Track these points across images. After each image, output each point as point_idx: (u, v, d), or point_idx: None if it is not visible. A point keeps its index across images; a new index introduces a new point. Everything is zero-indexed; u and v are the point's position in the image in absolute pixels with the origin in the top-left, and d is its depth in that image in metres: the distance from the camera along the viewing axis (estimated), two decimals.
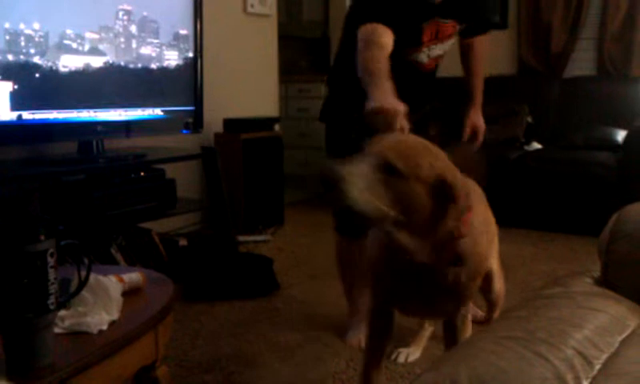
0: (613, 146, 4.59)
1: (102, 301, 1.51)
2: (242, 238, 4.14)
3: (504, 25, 3.37)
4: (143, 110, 3.43)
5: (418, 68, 2.62)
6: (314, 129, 6.16)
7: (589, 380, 0.93)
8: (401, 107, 1.96)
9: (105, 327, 1.45)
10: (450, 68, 2.98)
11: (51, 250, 1.27)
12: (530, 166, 4.59)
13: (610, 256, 1.31)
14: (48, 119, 2.99)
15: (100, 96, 3.22)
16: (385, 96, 2.06)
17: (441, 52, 2.62)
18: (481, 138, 2.81)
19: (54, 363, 1.28)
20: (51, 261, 1.27)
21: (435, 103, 2.82)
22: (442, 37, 2.56)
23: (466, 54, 2.83)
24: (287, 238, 4.46)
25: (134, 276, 1.74)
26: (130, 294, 1.66)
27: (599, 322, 1.07)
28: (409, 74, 2.57)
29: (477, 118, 2.81)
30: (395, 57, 2.38)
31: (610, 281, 1.27)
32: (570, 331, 1.04)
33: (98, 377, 1.37)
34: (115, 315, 1.51)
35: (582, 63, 5.49)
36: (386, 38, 2.35)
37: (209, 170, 3.91)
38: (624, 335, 1.04)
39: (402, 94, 2.17)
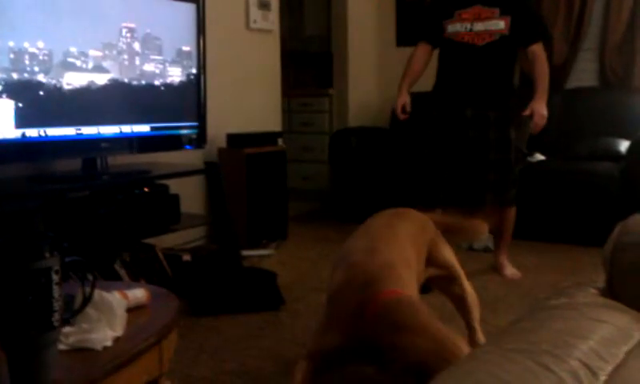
0: (616, 156, 4.59)
1: (106, 317, 1.52)
2: (245, 253, 4.14)
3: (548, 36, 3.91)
4: (147, 127, 3.44)
5: (469, 43, 3.65)
6: (317, 143, 6.18)
7: None
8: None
9: (109, 343, 1.45)
10: None
11: (56, 267, 1.27)
12: (533, 178, 4.59)
13: (615, 266, 1.31)
14: (52, 136, 3.00)
15: (104, 113, 3.23)
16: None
17: (483, 28, 3.63)
18: (539, 121, 3.69)
19: (58, 381, 1.28)
20: (56, 278, 1.27)
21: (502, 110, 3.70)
22: (482, 18, 3.63)
23: (529, 62, 3.80)
24: (291, 252, 4.46)
25: (138, 292, 1.74)
26: (134, 309, 1.67)
27: (604, 333, 1.07)
28: (463, 54, 3.70)
29: (538, 105, 3.70)
30: (447, 43, 3.74)
31: (614, 291, 1.27)
32: (575, 342, 1.04)
33: None
34: (119, 331, 1.51)
35: (583, 74, 5.49)
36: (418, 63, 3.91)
37: (212, 185, 3.92)
38: (629, 346, 1.04)
39: (459, 77, 3.75)
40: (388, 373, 1.56)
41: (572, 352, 0.99)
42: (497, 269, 3.83)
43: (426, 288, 2.33)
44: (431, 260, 2.24)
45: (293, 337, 2.91)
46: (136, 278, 3.18)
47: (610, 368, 0.97)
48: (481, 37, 3.64)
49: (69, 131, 3.07)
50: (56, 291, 1.28)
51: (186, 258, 3.59)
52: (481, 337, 2.34)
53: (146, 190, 3.45)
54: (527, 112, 3.68)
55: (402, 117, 3.85)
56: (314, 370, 1.89)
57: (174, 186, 3.63)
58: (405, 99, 3.84)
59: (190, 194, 4.11)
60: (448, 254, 2.33)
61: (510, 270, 3.81)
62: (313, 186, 6.27)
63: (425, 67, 3.92)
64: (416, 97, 3.90)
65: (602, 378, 0.95)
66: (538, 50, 3.73)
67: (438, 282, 2.36)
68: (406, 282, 1.88)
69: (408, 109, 3.84)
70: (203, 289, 3.28)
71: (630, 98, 5.09)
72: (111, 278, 3.02)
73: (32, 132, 2.91)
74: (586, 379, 0.94)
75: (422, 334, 1.54)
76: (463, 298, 2.35)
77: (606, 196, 4.35)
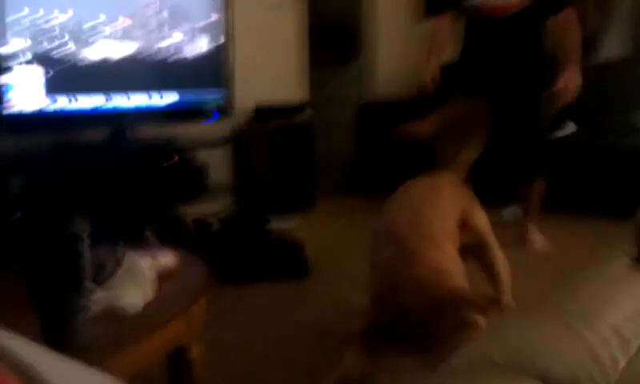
0: None
1: (137, 281, 1.53)
2: (273, 223, 4.15)
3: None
4: (174, 96, 3.45)
5: (492, 15, 3.55)
6: (344, 114, 6.15)
7: (626, 359, 0.91)
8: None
9: (140, 308, 1.47)
10: None
11: (88, 232, 1.29)
12: (564, 150, 4.53)
13: None
14: (81, 107, 3.02)
15: (132, 83, 3.25)
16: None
17: None
18: (571, 92, 3.50)
19: (88, 343, 1.30)
20: (87, 242, 1.29)
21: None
22: None
23: (559, 30, 3.64)
24: (318, 222, 4.47)
25: (168, 257, 1.75)
26: (164, 275, 1.68)
27: (638, 303, 1.06)
28: (486, 26, 3.60)
29: (571, 75, 3.50)
30: (470, 14, 3.65)
31: None
32: (607, 311, 1.03)
33: (133, 356, 1.38)
34: (150, 296, 1.52)
35: (616, 44, 5.38)
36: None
37: (240, 156, 3.93)
38: None
39: (483, 50, 3.65)
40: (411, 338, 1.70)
41: (604, 320, 0.98)
42: (526, 240, 3.80)
43: None
44: (465, 226, 2.23)
45: (321, 305, 2.92)
46: (167, 245, 3.20)
47: None
48: (504, 7, 3.53)
49: (97, 101, 3.09)
50: (87, 255, 1.29)
51: (215, 226, 3.61)
52: (511, 306, 2.33)
53: (173, 159, 3.46)
54: (560, 84, 3.54)
55: (428, 87, 3.75)
56: (366, 342, 2.01)
57: (202, 155, 3.64)
58: (432, 72, 3.70)
59: (218, 164, 4.12)
60: (481, 222, 2.32)
61: (540, 242, 3.78)
62: (339, 157, 6.25)
63: (449, 39, 3.83)
64: (443, 69, 3.82)
65: (635, 346, 0.94)
66: (567, 16, 3.60)
67: (471, 250, 2.34)
68: (447, 252, 1.91)
69: (435, 83, 3.68)
70: (232, 257, 3.30)
71: None
72: (142, 244, 3.05)
73: (60, 102, 2.93)
74: (618, 347, 0.93)
75: (445, 300, 1.69)
76: (494, 266, 2.33)
77: (636, 168, 4.29)
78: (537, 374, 0.91)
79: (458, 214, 2.20)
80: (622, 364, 0.91)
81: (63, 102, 2.94)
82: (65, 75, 2.94)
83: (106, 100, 3.12)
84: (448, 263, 1.93)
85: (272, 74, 4.85)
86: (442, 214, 2.10)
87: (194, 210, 3.75)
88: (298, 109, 4.73)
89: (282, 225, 4.24)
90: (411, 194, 2.21)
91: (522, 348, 0.96)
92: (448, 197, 2.22)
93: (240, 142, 3.94)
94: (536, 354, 0.94)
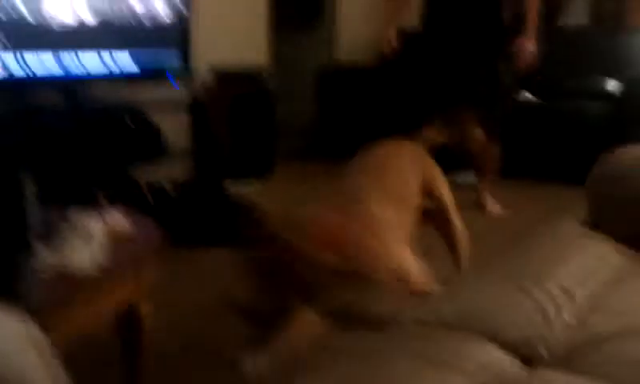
0: (605, 95, 4.58)
1: (88, 243, 1.51)
2: (231, 188, 4.13)
3: None
4: (132, 59, 3.38)
5: None
6: (304, 79, 6.11)
7: (571, 314, 0.93)
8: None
9: (89, 267, 1.45)
10: None
11: (38, 193, 1.27)
12: (521, 115, 4.57)
13: (595, 198, 1.31)
14: (33, 69, 2.94)
15: (86, 44, 3.17)
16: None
17: None
18: (525, 57, 3.60)
19: (37, 304, 1.28)
20: (37, 204, 1.27)
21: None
22: None
23: None
24: (277, 188, 4.45)
25: (119, 220, 1.73)
26: (115, 237, 1.65)
27: (584, 261, 1.08)
28: None
29: (525, 41, 3.59)
30: None
31: (595, 222, 1.28)
32: (554, 268, 1.04)
33: (81, 316, 1.37)
34: (99, 256, 1.50)
35: (575, 12, 5.43)
36: None
37: (198, 119, 3.88)
38: (608, 273, 1.05)
39: (446, 13, 3.64)
40: None
41: (551, 277, 1.00)
42: (481, 204, 3.84)
43: None
44: (425, 192, 2.23)
45: None
46: (119, 208, 3.16)
47: (587, 292, 0.98)
48: None
49: (50, 63, 3.01)
50: (36, 216, 1.27)
51: (170, 190, 3.57)
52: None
53: (129, 122, 3.41)
54: (514, 48, 3.61)
55: (390, 50, 3.78)
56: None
57: (158, 119, 3.59)
58: (392, 34, 3.76)
59: (176, 128, 4.07)
60: (441, 188, 2.31)
61: (494, 207, 3.82)
62: (300, 122, 6.22)
63: (408, 4, 3.86)
64: (403, 35, 3.83)
65: (580, 301, 0.95)
66: None
67: (430, 216, 2.33)
68: (386, 215, 1.90)
69: (394, 44, 3.76)
70: (187, 221, 3.28)
71: (621, 37, 5.04)
72: (94, 207, 3.01)
73: (11, 63, 2.86)
74: (564, 302, 0.94)
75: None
76: (452, 233, 2.32)
77: (594, 134, 4.35)
78: (488, 334, 0.92)
79: (417, 178, 2.20)
80: (572, 323, 0.93)
81: (14, 64, 2.86)
82: (15, 37, 2.86)
83: (61, 61, 3.04)
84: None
85: (232, 36, 4.78)
86: (400, 180, 2.10)
87: (150, 174, 3.71)
88: (258, 73, 4.69)
89: (240, 190, 4.21)
90: (368, 162, 2.20)
91: (474, 308, 0.97)
92: (405, 163, 2.22)
93: (199, 106, 3.88)
94: (488, 314, 0.95)
